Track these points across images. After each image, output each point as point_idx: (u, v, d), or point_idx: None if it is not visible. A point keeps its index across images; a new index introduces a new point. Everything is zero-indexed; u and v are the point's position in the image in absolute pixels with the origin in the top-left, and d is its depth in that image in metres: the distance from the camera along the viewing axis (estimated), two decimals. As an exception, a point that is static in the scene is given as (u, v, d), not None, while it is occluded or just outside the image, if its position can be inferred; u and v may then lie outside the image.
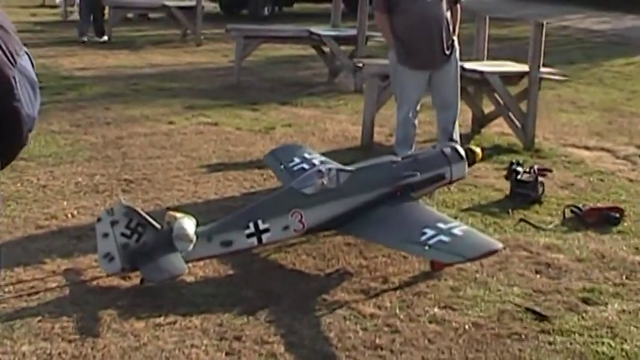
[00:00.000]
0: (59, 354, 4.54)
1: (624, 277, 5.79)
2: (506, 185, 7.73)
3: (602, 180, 8.38)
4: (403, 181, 6.07)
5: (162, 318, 4.97)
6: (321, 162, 6.70)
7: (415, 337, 4.75)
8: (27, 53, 2.72)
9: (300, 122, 10.80)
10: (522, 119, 9.51)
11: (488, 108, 10.31)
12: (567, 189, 7.99)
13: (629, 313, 5.19)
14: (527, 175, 7.55)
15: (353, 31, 13.91)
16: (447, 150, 6.55)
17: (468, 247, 5.22)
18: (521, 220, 6.92)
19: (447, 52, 8.12)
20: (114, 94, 12.63)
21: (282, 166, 6.95)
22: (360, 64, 9.73)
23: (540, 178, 7.51)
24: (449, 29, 8.08)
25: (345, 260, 5.85)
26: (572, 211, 7.08)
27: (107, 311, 5.07)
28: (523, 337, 4.79)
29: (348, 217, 5.81)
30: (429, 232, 5.31)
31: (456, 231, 5.33)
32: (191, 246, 5.31)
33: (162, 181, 7.81)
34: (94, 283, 5.47)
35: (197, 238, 5.36)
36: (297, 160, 6.89)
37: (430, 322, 4.97)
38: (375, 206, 5.85)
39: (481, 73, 9.38)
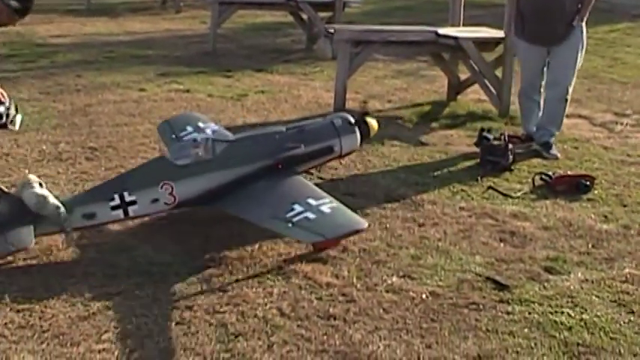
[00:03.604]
0: (6, 324, 4.43)
1: (590, 246, 5.68)
2: (477, 153, 7.62)
3: (576, 147, 8.29)
4: (286, 153, 5.71)
5: (114, 287, 4.86)
6: (214, 131, 6.39)
7: (370, 307, 4.64)
8: None
9: (273, 89, 10.68)
10: (497, 86, 9.39)
11: (464, 75, 10.18)
12: (540, 157, 7.87)
13: (592, 282, 5.08)
14: (498, 142, 7.44)
15: (331, -3, 13.76)
16: (337, 121, 6.10)
17: (330, 226, 4.95)
18: (489, 187, 6.81)
19: (566, 32, 7.96)
20: (87, 61, 12.49)
21: (173, 135, 6.56)
22: (332, 30, 9.57)
23: (510, 146, 7.39)
24: (573, 10, 7.94)
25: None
26: (541, 179, 6.98)
27: (58, 280, 4.95)
28: (481, 306, 4.69)
29: (223, 190, 5.50)
30: (297, 209, 5.04)
31: (324, 208, 5.04)
32: (50, 200, 5.07)
33: (128, 149, 7.69)
34: (48, 252, 5.34)
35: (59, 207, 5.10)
36: (189, 129, 6.54)
37: (387, 291, 4.86)
38: (253, 180, 5.52)
39: (455, 39, 9.23)
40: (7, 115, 5.87)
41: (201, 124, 6.60)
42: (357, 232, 5.12)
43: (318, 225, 4.90)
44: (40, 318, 4.50)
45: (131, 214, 5.36)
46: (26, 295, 4.76)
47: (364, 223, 5.09)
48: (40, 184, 5.19)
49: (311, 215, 4.96)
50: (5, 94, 5.91)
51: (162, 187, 5.38)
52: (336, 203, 5.18)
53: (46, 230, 5.18)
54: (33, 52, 12.75)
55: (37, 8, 17.03)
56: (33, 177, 5.25)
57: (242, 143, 5.82)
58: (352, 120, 6.14)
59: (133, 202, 5.32)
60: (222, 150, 5.63)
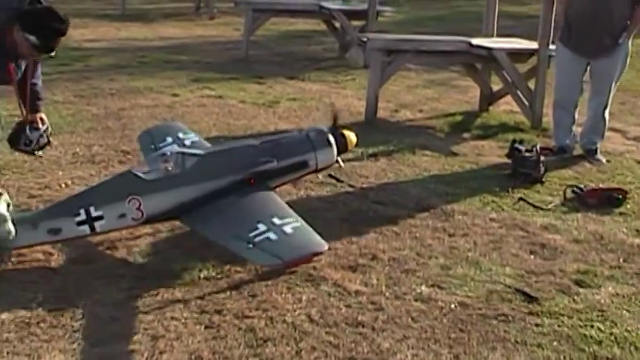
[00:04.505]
0: (37, 323, 4.47)
1: (621, 260, 5.65)
2: (508, 164, 7.60)
3: (609, 161, 8.24)
4: (257, 168, 5.50)
5: (144, 290, 4.89)
6: (193, 143, 6.21)
7: (399, 315, 4.64)
8: None
9: (305, 96, 10.71)
10: (530, 97, 9.36)
11: (497, 86, 10.17)
12: (572, 169, 7.85)
13: (623, 296, 5.05)
14: (530, 153, 7.41)
15: (364, 6, 13.78)
16: (312, 134, 5.84)
17: (288, 249, 4.67)
18: (520, 199, 6.79)
19: (611, 46, 7.99)
20: (120, 65, 12.59)
21: (152, 146, 6.32)
22: (364, 39, 9.59)
23: (542, 158, 7.36)
24: (621, 25, 7.96)
25: (335, 236, 5.72)
26: (573, 192, 6.95)
27: (90, 282, 5.00)
28: (510, 318, 4.67)
29: (192, 206, 5.31)
30: (261, 228, 4.81)
31: (286, 228, 4.80)
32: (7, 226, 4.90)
33: (160, 153, 7.72)
34: (80, 253, 5.39)
35: (17, 223, 4.98)
36: (169, 139, 6.32)
37: (416, 300, 4.85)
38: (223, 195, 5.32)
39: (488, 49, 9.22)
40: (38, 142, 5.96)
41: (180, 135, 6.41)
42: (315, 254, 4.80)
43: (277, 247, 4.67)
44: (71, 318, 4.54)
45: (98, 229, 5.21)
46: (58, 295, 4.81)
47: (324, 245, 4.75)
48: (8, 205, 5.07)
49: (273, 236, 4.74)
50: (44, 120, 5.99)
51: (129, 202, 5.23)
52: (300, 223, 4.93)
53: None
54: (68, 55, 12.84)
55: (73, 13, 17.23)
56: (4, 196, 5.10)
57: (213, 157, 5.66)
58: (328, 133, 5.88)
59: (99, 218, 5.18)
60: (192, 164, 5.46)
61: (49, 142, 6.07)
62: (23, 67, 5.61)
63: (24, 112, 5.83)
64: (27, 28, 5.13)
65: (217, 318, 4.57)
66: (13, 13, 5.17)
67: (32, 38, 5.13)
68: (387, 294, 4.93)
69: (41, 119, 5.98)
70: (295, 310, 4.67)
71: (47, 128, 6.02)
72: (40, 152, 6.23)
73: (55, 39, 5.26)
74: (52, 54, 5.41)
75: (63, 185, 6.77)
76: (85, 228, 5.19)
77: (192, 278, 5.06)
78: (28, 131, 5.89)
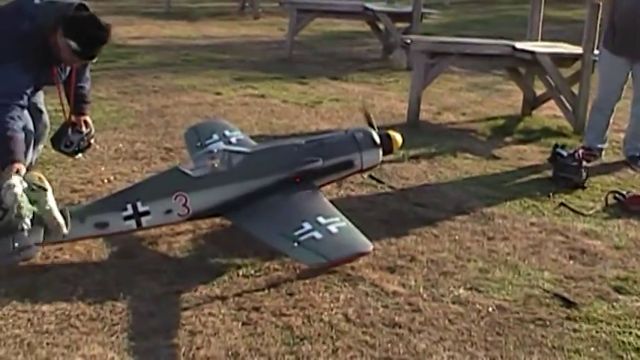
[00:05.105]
0: (77, 315, 4.53)
1: (662, 267, 5.60)
2: (550, 168, 7.56)
3: (651, 167, 8.16)
4: (303, 167, 5.53)
5: (183, 285, 4.93)
6: (238, 141, 6.25)
7: (436, 317, 4.64)
8: None
9: (347, 97, 10.72)
10: (574, 102, 9.29)
11: (540, 90, 10.11)
12: (614, 175, 7.80)
13: (663, 304, 5.01)
14: (571, 158, 7.36)
15: (408, 8, 13.77)
16: (359, 135, 5.84)
17: (333, 248, 4.71)
18: (561, 204, 6.75)
19: None
20: (165, 63, 12.69)
21: (198, 143, 6.39)
22: (408, 40, 9.58)
23: (584, 163, 7.31)
24: None
25: (374, 237, 5.71)
26: (615, 198, 6.89)
27: (130, 276, 5.06)
28: (547, 323, 4.65)
29: (238, 203, 5.35)
30: (306, 227, 4.85)
31: (331, 227, 4.83)
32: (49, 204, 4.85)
33: (202, 151, 7.78)
34: (120, 247, 5.45)
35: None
36: (215, 137, 6.37)
37: (453, 302, 4.85)
38: (269, 193, 5.36)
39: (532, 53, 9.17)
40: (79, 145, 6.02)
41: (227, 132, 6.46)
42: (361, 254, 4.91)
43: (322, 246, 4.70)
44: (110, 311, 4.59)
45: (144, 224, 5.28)
46: (98, 289, 4.86)
47: (369, 246, 4.79)
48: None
49: (318, 235, 4.78)
50: (88, 123, 6.05)
51: (176, 198, 5.29)
52: (345, 222, 4.97)
53: (55, 239, 5.10)
54: (112, 52, 12.96)
55: (117, 10, 17.53)
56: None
57: (259, 155, 5.70)
58: (375, 134, 5.89)
59: (146, 213, 5.24)
60: (238, 162, 5.53)
61: (89, 146, 6.12)
62: (68, 71, 5.68)
63: (67, 114, 5.90)
64: (69, 34, 5.20)
65: (255, 315, 4.59)
66: (60, 17, 5.24)
67: (74, 44, 5.20)
68: (425, 295, 4.93)
69: (85, 122, 6.05)
70: (332, 310, 4.68)
71: (90, 131, 6.07)
72: (80, 155, 6.28)
73: (96, 47, 5.32)
74: (93, 61, 5.47)
75: (105, 181, 6.85)
76: (132, 223, 5.25)
77: (230, 275, 5.09)
78: (70, 133, 5.96)
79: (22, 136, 5.15)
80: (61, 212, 4.99)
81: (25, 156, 5.35)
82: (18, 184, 4.76)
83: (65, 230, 4.99)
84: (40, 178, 4.89)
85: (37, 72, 5.33)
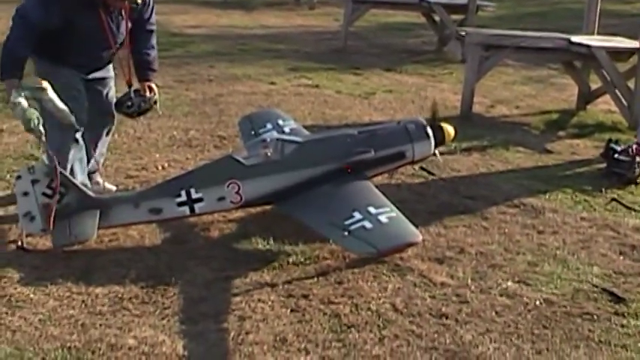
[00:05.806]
0: (129, 298, 4.65)
1: None
2: (603, 164, 7.51)
3: None
4: (355, 157, 5.57)
5: (233, 271, 5.02)
6: (292, 130, 6.30)
7: (483, 309, 4.66)
8: None
9: (401, 89, 10.73)
10: (629, 97, 9.20)
11: (596, 84, 10.02)
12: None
13: None
14: (625, 154, 7.30)
15: (464, 0, 13.71)
16: (411, 126, 5.85)
17: (384, 238, 4.78)
18: (612, 199, 6.71)
19: None
20: (220, 52, 12.81)
21: (252, 132, 6.46)
22: (463, 33, 9.56)
23: (638, 159, 7.25)
24: None
25: (424, 228, 5.75)
26: (668, 194, 6.83)
27: (182, 261, 5.16)
28: (595, 317, 4.64)
29: (290, 191, 5.42)
30: (357, 216, 4.91)
31: (382, 217, 4.88)
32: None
33: (255, 140, 7.86)
34: (173, 233, 5.55)
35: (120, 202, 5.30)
36: (269, 126, 6.43)
37: (501, 295, 4.86)
38: (320, 182, 5.40)
39: (588, 47, 9.10)
40: (140, 106, 6.08)
41: (280, 122, 6.51)
42: (410, 244, 4.98)
43: (373, 236, 4.77)
44: (162, 295, 4.70)
45: (197, 211, 5.37)
46: (150, 273, 4.98)
47: (418, 236, 4.90)
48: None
49: (368, 224, 4.84)
50: (153, 89, 6.09)
51: (229, 186, 5.37)
52: (395, 213, 5.02)
53: (110, 223, 5.30)
54: (168, 41, 13.12)
55: (174, -1, 17.48)
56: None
57: (311, 145, 5.73)
58: (426, 126, 5.89)
59: (199, 200, 5.34)
60: (291, 151, 5.58)
61: (150, 108, 6.12)
62: (123, 28, 5.70)
63: (126, 74, 5.95)
64: None
65: (303, 302, 4.66)
66: None
67: None
68: (473, 287, 4.95)
69: (149, 87, 6.07)
70: (380, 299, 4.73)
71: (154, 96, 6.08)
72: (140, 116, 6.30)
73: None
74: (139, 1, 5.54)
75: (160, 167, 6.97)
76: (185, 209, 5.35)
77: (280, 263, 5.16)
78: (132, 94, 6.02)
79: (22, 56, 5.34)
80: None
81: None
82: (19, 98, 5.13)
83: (72, 118, 5.32)
84: (38, 81, 5.24)
85: (72, 12, 5.41)
